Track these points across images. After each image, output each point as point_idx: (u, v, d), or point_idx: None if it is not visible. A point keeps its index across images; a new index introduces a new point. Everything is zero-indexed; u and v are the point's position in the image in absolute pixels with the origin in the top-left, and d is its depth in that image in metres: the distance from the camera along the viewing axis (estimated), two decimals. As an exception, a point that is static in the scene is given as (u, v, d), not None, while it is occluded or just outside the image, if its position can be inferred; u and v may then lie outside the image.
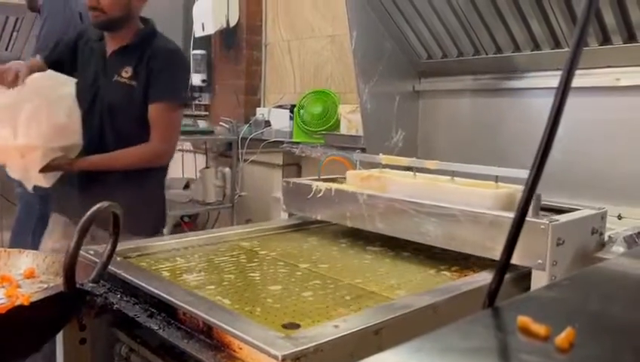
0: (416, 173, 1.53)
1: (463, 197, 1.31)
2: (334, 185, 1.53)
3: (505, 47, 1.90)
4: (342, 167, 1.85)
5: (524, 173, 1.25)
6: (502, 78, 2.00)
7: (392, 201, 1.37)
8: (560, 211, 1.35)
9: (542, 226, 1.12)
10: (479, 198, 1.29)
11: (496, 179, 1.36)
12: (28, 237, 2.54)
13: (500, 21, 1.82)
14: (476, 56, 1.99)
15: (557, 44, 1.78)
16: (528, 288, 1.12)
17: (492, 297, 0.46)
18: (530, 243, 1.13)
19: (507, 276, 1.07)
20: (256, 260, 1.35)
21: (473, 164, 1.79)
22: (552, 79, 1.85)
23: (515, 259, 1.10)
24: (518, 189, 1.31)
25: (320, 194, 1.52)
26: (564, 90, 0.47)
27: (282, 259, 1.36)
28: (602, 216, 1.30)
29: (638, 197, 1.66)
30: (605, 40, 1.66)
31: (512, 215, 1.15)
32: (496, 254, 1.15)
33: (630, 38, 1.62)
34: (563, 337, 0.38)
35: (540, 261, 1.12)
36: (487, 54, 1.96)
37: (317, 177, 1.67)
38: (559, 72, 1.78)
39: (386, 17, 2.06)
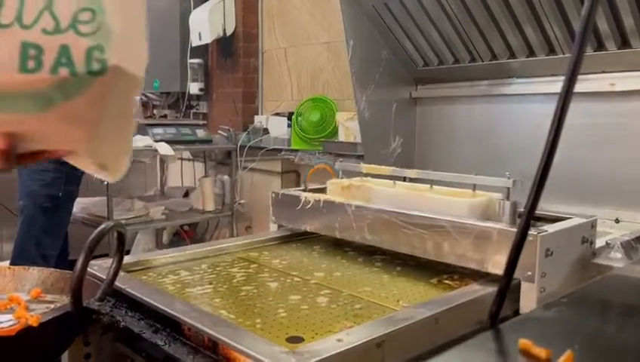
0: (397, 182, 1.54)
1: (440, 205, 1.32)
2: (323, 196, 1.52)
3: (500, 53, 1.91)
4: (329, 176, 1.84)
5: (501, 182, 1.27)
6: (497, 84, 2.02)
7: (380, 213, 1.36)
8: (548, 220, 1.34)
9: (530, 238, 1.09)
10: (456, 207, 1.30)
11: (474, 187, 1.37)
12: (32, 247, 2.54)
13: (494, 28, 1.84)
14: (472, 63, 2.01)
15: (551, 51, 1.80)
16: (517, 299, 1.12)
17: (494, 319, 0.47)
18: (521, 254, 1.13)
19: (479, 295, 1.09)
20: (259, 272, 1.36)
21: (470, 169, 1.81)
22: (546, 85, 1.87)
23: (502, 270, 1.12)
24: (494, 197, 1.31)
25: (309, 206, 1.52)
26: (559, 119, 0.48)
27: (284, 270, 1.37)
28: (592, 225, 1.29)
29: (636, 201, 1.68)
30: (600, 46, 1.68)
31: (497, 225, 1.16)
32: (484, 265, 1.17)
33: (624, 43, 1.64)
34: (562, 361, 0.39)
35: (529, 273, 1.11)
36: (482, 61, 1.98)
37: (304, 188, 1.67)
38: (554, 78, 1.81)
39: (382, 26, 2.07)
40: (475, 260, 1.20)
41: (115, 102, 0.77)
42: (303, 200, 1.53)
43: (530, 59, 1.85)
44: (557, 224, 1.23)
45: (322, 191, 1.64)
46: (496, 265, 1.17)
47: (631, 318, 0.50)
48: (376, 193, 1.47)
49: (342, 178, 1.67)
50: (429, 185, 1.48)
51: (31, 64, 0.68)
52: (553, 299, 0.51)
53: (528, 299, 1.11)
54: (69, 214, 2.78)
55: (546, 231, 1.14)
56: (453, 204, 1.31)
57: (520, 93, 1.95)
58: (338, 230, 1.46)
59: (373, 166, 1.65)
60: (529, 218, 0.48)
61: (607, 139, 1.76)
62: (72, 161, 0.83)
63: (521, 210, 1.45)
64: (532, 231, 1.11)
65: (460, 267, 1.26)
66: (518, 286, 1.12)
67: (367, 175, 1.66)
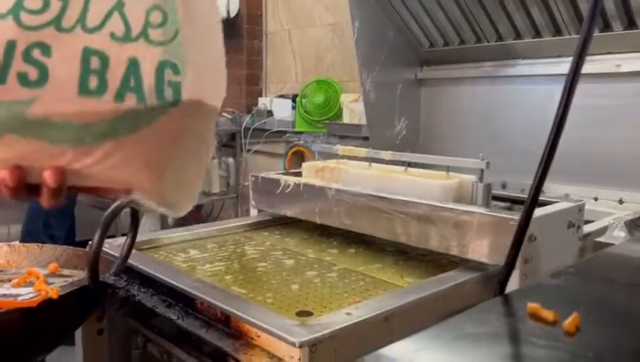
0: (372, 165, 1.51)
1: (413, 187, 1.30)
2: (302, 180, 1.48)
3: (506, 34, 1.92)
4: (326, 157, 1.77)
5: (475, 163, 1.25)
6: (503, 65, 2.02)
7: (359, 196, 1.32)
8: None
9: (511, 223, 1.06)
10: (428, 189, 1.28)
11: (447, 169, 1.35)
12: (40, 228, 2.58)
13: (501, 9, 1.84)
14: (478, 44, 2.01)
15: (557, 32, 1.80)
16: (477, 298, 1.09)
17: (502, 286, 0.49)
18: (501, 240, 1.07)
19: (478, 275, 1.09)
20: (266, 250, 1.39)
21: (475, 150, 1.81)
22: (552, 66, 1.88)
23: (484, 257, 1.11)
24: (467, 179, 1.29)
25: (288, 190, 1.48)
26: (566, 101, 0.49)
27: (291, 248, 1.40)
28: (580, 209, 1.26)
29: (639, 181, 1.70)
30: (606, 26, 1.69)
31: (471, 208, 1.14)
32: (463, 251, 1.14)
33: (630, 24, 1.64)
34: (570, 322, 0.41)
35: None
36: (488, 42, 1.98)
37: (283, 171, 1.63)
38: (559, 59, 1.80)
39: (388, 6, 2.07)
40: (456, 246, 1.17)
41: (189, 136, 0.65)
42: (282, 184, 1.49)
43: (536, 40, 1.85)
44: (542, 208, 1.20)
45: (299, 174, 1.60)
46: (476, 250, 1.13)
47: (636, 287, 0.52)
48: (349, 175, 1.44)
49: (318, 160, 1.64)
50: (404, 168, 1.44)
51: (93, 82, 0.56)
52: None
53: (511, 286, 1.08)
54: (76, 195, 2.80)
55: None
56: (425, 186, 1.29)
57: (525, 74, 1.96)
58: (318, 215, 1.42)
59: (348, 147, 1.61)
60: (536, 196, 0.49)
61: (611, 120, 1.77)
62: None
63: (504, 192, 1.45)
64: (514, 216, 1.08)
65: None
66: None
67: (342, 157, 1.62)
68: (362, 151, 1.54)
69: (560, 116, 0.49)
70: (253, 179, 1.60)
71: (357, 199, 1.32)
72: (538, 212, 1.15)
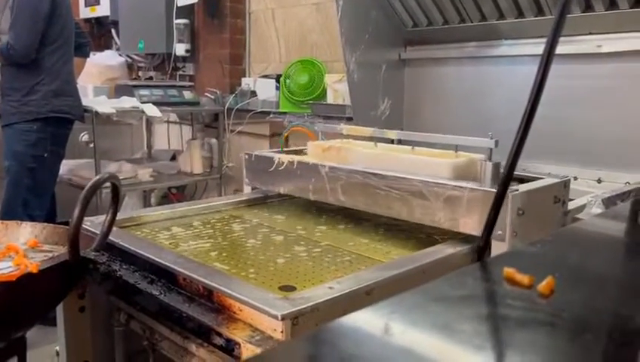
0: (379, 144, 1.51)
1: (421, 167, 1.29)
2: (297, 158, 1.48)
3: (489, 14, 1.92)
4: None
5: (484, 142, 1.25)
6: (486, 45, 2.02)
7: (353, 173, 1.33)
8: (522, 180, 1.33)
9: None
10: (437, 168, 1.27)
11: (456, 148, 1.34)
12: (19, 208, 2.54)
13: (484, -12, 1.84)
14: (461, 24, 2.01)
15: (540, 12, 1.80)
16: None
17: (481, 252, 0.50)
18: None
19: (466, 247, 1.11)
20: (250, 228, 1.39)
21: (459, 130, 1.81)
22: (535, 46, 1.88)
23: (474, 230, 1.12)
24: (476, 158, 1.29)
25: (282, 167, 1.49)
26: (541, 80, 0.50)
27: (274, 226, 1.40)
28: (565, 185, 1.28)
29: (618, 161, 1.72)
30: (587, 7, 1.69)
31: (469, 185, 1.14)
32: (454, 224, 1.15)
33: (611, 4, 1.65)
34: (544, 285, 0.42)
35: (499, 232, 1.07)
36: (471, 22, 1.98)
37: (280, 149, 1.62)
38: (543, 40, 1.81)
39: (372, -15, 2.06)
40: (448, 220, 1.18)
41: None
42: (276, 162, 1.50)
43: (519, 20, 1.86)
44: (529, 183, 1.23)
45: (300, 153, 1.60)
46: (468, 225, 1.14)
47: (608, 253, 0.53)
48: (356, 155, 1.44)
49: (323, 140, 1.64)
50: (410, 147, 1.45)
51: None
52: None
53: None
54: (56, 175, 2.77)
55: (517, 190, 1.12)
56: (433, 166, 1.28)
57: (509, 54, 1.96)
58: (312, 192, 1.42)
59: (354, 127, 1.62)
60: (511, 172, 0.50)
61: (592, 101, 1.79)
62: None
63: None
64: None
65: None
66: (489, 245, 1.07)
67: (347, 137, 1.62)
68: (368, 131, 1.54)
69: (535, 94, 0.50)
70: (246, 157, 1.61)
71: (351, 176, 1.33)
72: (526, 187, 1.18)
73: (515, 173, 1.28)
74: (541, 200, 1.20)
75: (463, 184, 1.16)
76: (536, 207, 1.15)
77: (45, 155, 2.59)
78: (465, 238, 1.20)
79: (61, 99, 2.63)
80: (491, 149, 1.23)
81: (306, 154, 1.59)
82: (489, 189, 1.12)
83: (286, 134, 2.90)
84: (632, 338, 0.36)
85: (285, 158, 1.48)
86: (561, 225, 1.21)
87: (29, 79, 2.54)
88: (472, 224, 1.13)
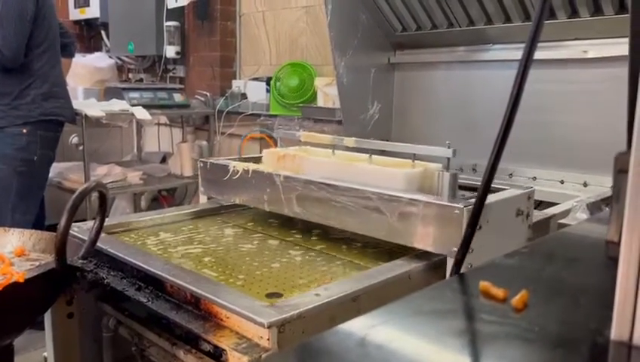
0: (336, 152, 1.45)
1: (376, 177, 1.23)
2: (252, 166, 1.41)
3: (477, 19, 1.94)
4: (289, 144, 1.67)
5: (441, 151, 1.18)
6: (475, 50, 2.04)
7: (308, 183, 1.26)
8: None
9: (456, 211, 1.02)
10: (391, 178, 1.20)
11: (413, 157, 1.28)
12: (7, 212, 2.53)
13: (472, -7, 1.85)
14: (450, 29, 2.03)
15: (527, 17, 1.83)
16: (444, 276, 1.05)
17: (458, 265, 0.51)
18: (444, 229, 1.04)
19: (423, 264, 1.08)
20: (239, 234, 1.39)
21: (448, 134, 1.82)
22: (522, 51, 1.90)
23: (429, 246, 1.08)
24: (433, 168, 1.22)
25: (236, 176, 1.42)
26: (519, 87, 0.51)
27: (262, 232, 1.40)
28: (529, 196, 1.20)
29: (604, 165, 1.72)
30: (573, 12, 1.72)
31: (426, 198, 1.08)
32: (410, 240, 1.09)
33: (597, 10, 1.68)
34: (518, 299, 0.43)
35: (454, 248, 1.01)
36: (460, 27, 2.00)
37: (236, 157, 1.56)
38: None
39: (361, -11, 2.07)
40: (403, 235, 1.12)
41: None
42: (231, 170, 1.43)
43: (507, 25, 1.88)
44: (490, 195, 1.10)
45: (258, 160, 1.53)
46: (423, 240, 1.09)
47: (584, 266, 0.54)
48: (310, 164, 1.38)
49: (282, 146, 1.58)
50: (368, 155, 1.37)
51: None
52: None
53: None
54: (45, 179, 2.75)
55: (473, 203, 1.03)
56: (387, 175, 1.22)
57: (497, 59, 1.98)
58: (267, 202, 1.37)
59: (311, 134, 1.55)
60: (489, 184, 0.51)
61: (578, 105, 1.81)
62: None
63: (476, 176, 1.38)
64: (458, 204, 1.04)
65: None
66: (444, 262, 1.07)
67: (305, 143, 1.56)
68: (326, 138, 1.48)
69: (512, 102, 0.51)
70: (201, 165, 1.54)
71: (306, 186, 1.27)
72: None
73: (479, 183, 1.22)
74: (501, 214, 1.13)
75: (418, 197, 1.10)
76: (496, 221, 1.08)
77: (35, 159, 2.58)
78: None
79: (51, 101, 2.61)
80: (449, 159, 1.16)
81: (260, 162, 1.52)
82: (444, 203, 1.06)
83: (244, 140, 2.91)
84: (599, 353, 0.37)
85: (240, 166, 1.42)
86: (527, 239, 1.15)
87: (17, 83, 2.52)
88: (427, 239, 1.08)
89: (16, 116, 2.52)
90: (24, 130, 2.52)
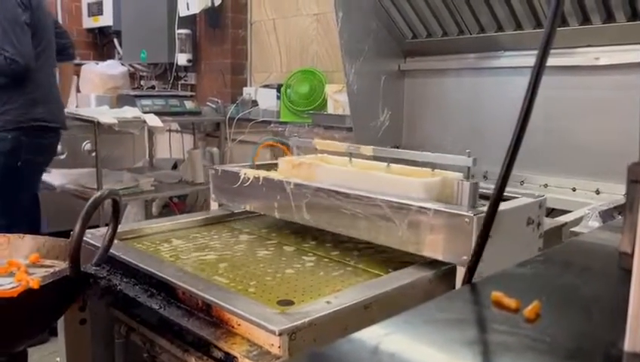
0: (353, 160, 1.43)
1: (393, 185, 1.21)
2: (262, 173, 1.42)
3: (488, 26, 1.93)
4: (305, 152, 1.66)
5: (461, 160, 1.17)
6: (485, 57, 2.04)
7: (318, 191, 1.26)
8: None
9: (466, 219, 1.01)
10: (410, 187, 1.18)
11: (433, 166, 1.26)
12: None
13: (483, 1, 1.85)
14: (460, 36, 2.03)
15: (538, 24, 1.82)
16: (454, 285, 1.04)
17: (470, 274, 0.51)
18: (454, 237, 1.04)
19: (432, 272, 1.08)
20: (250, 241, 1.40)
21: (458, 141, 1.81)
22: (533, 58, 1.89)
23: (439, 255, 1.08)
24: (452, 177, 1.20)
25: (247, 183, 1.43)
26: (530, 97, 0.51)
27: (275, 239, 1.41)
28: (540, 205, 1.18)
29: (616, 172, 1.72)
30: (585, 20, 1.71)
31: (435, 206, 1.08)
32: (419, 248, 1.09)
33: (609, 17, 1.67)
34: (530, 309, 0.43)
35: (464, 257, 1.01)
36: (470, 34, 1.99)
37: (250, 164, 1.56)
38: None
39: (372, -3, 2.08)
40: (412, 243, 1.11)
41: None
42: (242, 178, 1.44)
43: (518, 32, 1.87)
44: (500, 204, 1.12)
45: (273, 167, 1.53)
46: (433, 248, 1.08)
47: (597, 275, 0.54)
48: (325, 172, 1.36)
49: (298, 155, 1.57)
50: (386, 164, 1.36)
51: None
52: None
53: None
54: (33, 185, 2.70)
55: (483, 212, 1.00)
56: (406, 184, 1.20)
57: (508, 66, 1.98)
58: (277, 209, 1.37)
59: (327, 142, 1.54)
60: (501, 192, 0.51)
61: (590, 112, 1.80)
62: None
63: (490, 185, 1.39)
64: (468, 213, 1.03)
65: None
66: (454, 270, 1.06)
67: (321, 152, 1.55)
68: (341, 146, 1.47)
69: (525, 110, 0.51)
70: (213, 172, 1.55)
71: (316, 194, 1.27)
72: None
73: (490, 191, 1.21)
74: (511, 223, 1.12)
75: (428, 205, 1.09)
76: (506, 231, 1.07)
77: (19, 164, 2.52)
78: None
79: (41, 107, 2.56)
80: (469, 168, 1.15)
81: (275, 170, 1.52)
82: (454, 211, 1.05)
83: (259, 149, 2.91)
84: (613, 365, 0.37)
85: (251, 174, 1.43)
86: (538, 248, 1.13)
87: (7, 88, 2.47)
88: (437, 248, 1.07)
89: (5, 121, 2.48)
90: (9, 136, 2.49)
